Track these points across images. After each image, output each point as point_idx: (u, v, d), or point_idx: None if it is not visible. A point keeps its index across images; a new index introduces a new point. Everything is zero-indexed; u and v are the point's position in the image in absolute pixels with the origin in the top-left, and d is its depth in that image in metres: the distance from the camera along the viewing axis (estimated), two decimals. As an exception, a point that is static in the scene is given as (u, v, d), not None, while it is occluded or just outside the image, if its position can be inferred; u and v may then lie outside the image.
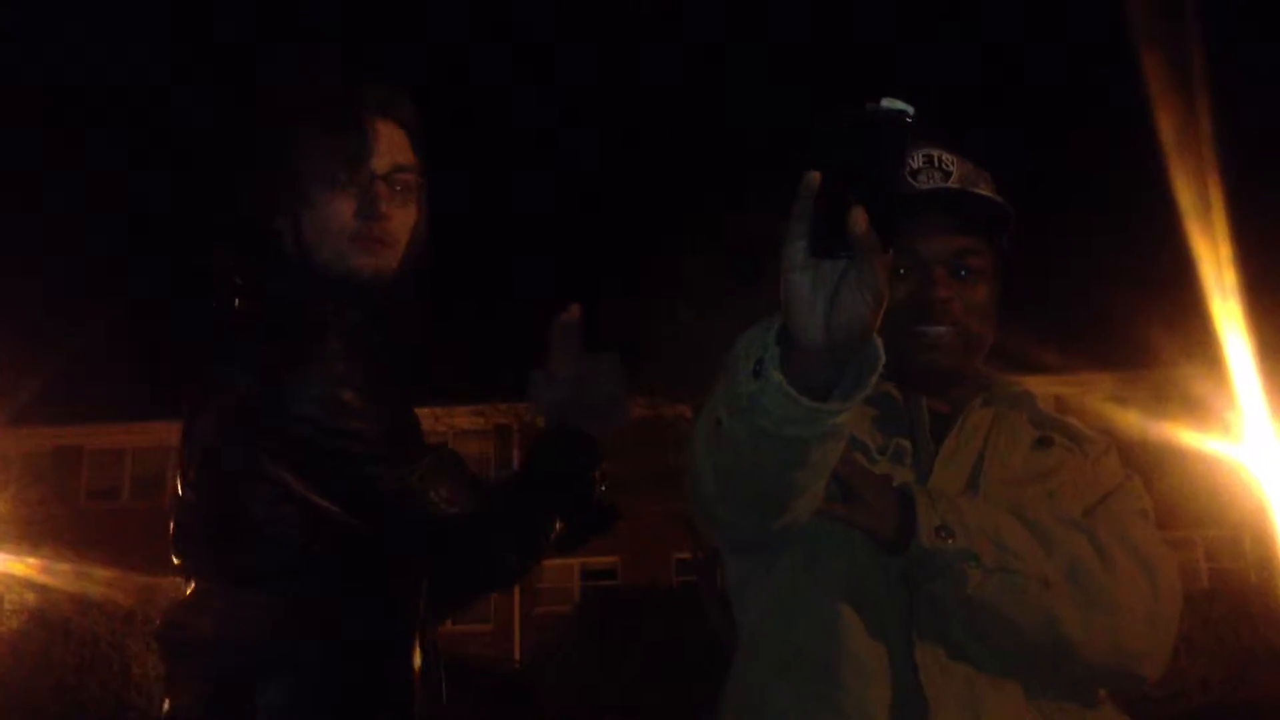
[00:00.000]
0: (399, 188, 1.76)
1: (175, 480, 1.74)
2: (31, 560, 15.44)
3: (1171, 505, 14.79)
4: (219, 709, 1.61)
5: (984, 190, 1.76)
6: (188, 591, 1.70)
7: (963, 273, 1.74)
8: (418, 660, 1.71)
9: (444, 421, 18.36)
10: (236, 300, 1.71)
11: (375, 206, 1.72)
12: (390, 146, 1.76)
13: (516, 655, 22.80)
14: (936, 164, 1.74)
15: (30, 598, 15.98)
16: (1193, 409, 16.48)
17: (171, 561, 1.72)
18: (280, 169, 1.73)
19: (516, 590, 25.16)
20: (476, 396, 17.05)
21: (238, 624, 1.63)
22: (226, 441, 1.65)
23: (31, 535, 16.37)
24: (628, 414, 1.87)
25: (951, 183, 1.73)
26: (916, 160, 1.73)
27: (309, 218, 1.72)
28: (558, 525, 1.77)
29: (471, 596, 1.88)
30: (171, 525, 1.73)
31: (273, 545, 1.63)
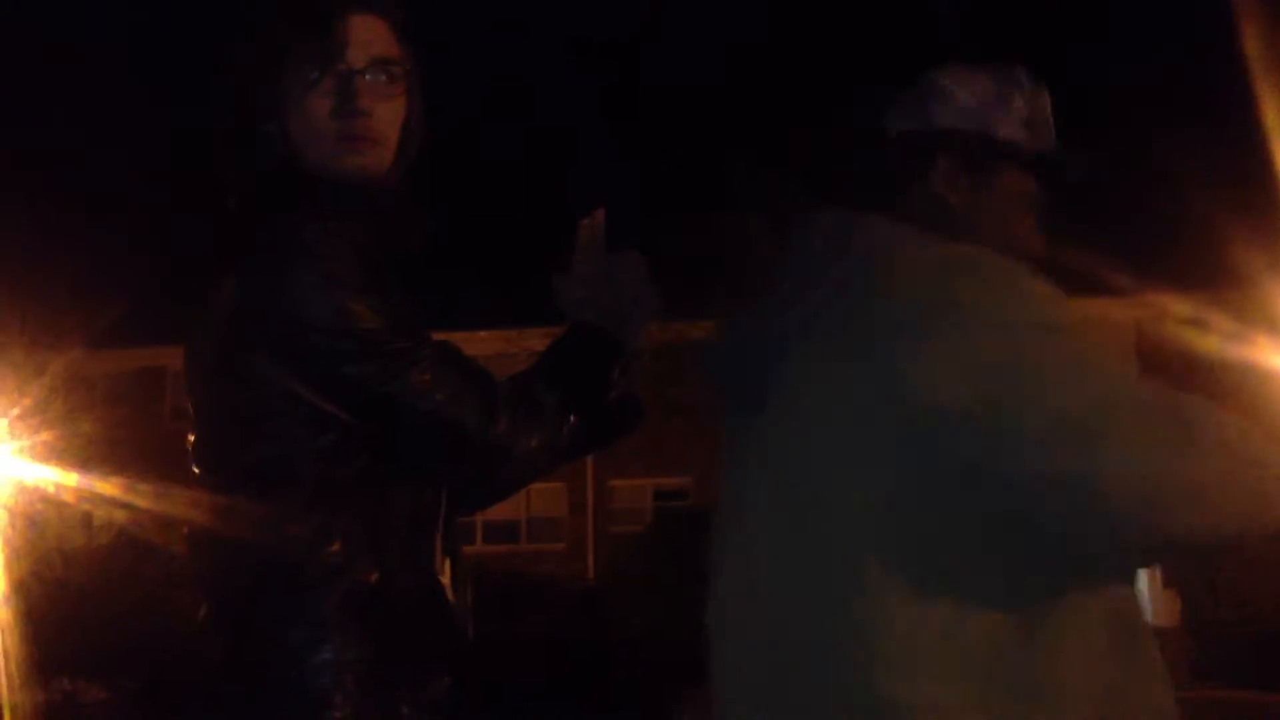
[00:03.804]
0: (381, 80, 1.72)
1: (187, 393, 1.76)
2: (117, 480, 15.78)
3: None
4: (255, 600, 1.66)
5: None
6: (211, 502, 1.73)
7: None
8: (445, 562, 1.72)
9: (517, 344, 18.33)
10: (231, 206, 1.71)
11: (353, 102, 1.69)
12: (367, 39, 1.71)
13: (590, 573, 23.06)
14: None
15: (119, 515, 16.39)
16: (1277, 330, 16.08)
17: (193, 472, 1.75)
18: (262, 73, 1.71)
19: (590, 511, 25.36)
20: (552, 319, 17.01)
21: (263, 528, 1.65)
22: (228, 350, 1.66)
23: (118, 456, 16.73)
24: (652, 315, 1.85)
25: None
26: None
27: (293, 122, 1.70)
28: (572, 420, 1.75)
29: (489, 494, 1.86)
30: (190, 438, 1.76)
31: (285, 450, 1.64)
